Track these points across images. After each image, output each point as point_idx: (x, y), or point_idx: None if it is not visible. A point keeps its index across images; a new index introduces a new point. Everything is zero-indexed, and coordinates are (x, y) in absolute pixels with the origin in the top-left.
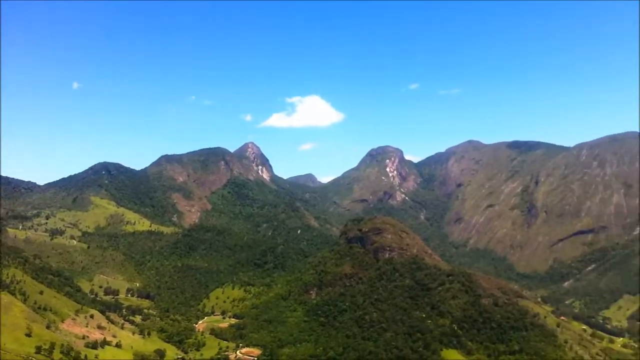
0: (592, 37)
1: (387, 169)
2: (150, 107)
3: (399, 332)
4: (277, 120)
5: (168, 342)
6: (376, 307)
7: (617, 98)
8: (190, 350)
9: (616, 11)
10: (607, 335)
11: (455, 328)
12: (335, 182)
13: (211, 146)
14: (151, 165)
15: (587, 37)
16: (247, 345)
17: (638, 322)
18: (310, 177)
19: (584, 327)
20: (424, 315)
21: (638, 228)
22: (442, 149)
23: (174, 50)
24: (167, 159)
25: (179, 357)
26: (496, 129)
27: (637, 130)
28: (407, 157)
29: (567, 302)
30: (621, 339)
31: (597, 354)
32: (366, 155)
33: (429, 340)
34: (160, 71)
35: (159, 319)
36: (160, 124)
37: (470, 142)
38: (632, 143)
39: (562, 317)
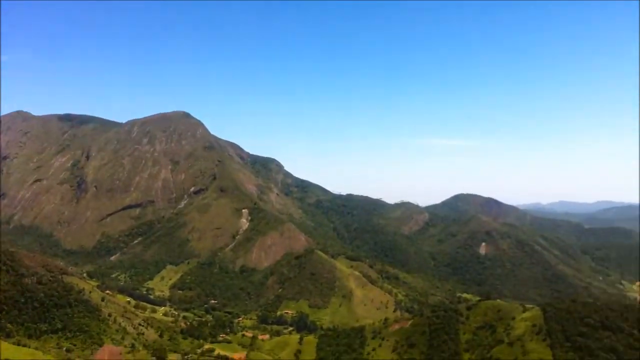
0: None
1: None
2: None
3: None
4: None
5: None
6: None
7: (167, 79)
8: None
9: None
10: (150, 305)
11: None
12: None
13: None
14: None
15: None
16: None
17: (179, 291)
18: None
19: (129, 299)
20: None
21: (183, 202)
22: None
23: None
24: None
25: None
26: (48, 101)
27: (184, 110)
28: None
29: (113, 276)
30: (163, 307)
31: (139, 324)
32: None
33: None
34: None
35: None
36: None
37: (19, 112)
38: (180, 122)
39: (108, 291)
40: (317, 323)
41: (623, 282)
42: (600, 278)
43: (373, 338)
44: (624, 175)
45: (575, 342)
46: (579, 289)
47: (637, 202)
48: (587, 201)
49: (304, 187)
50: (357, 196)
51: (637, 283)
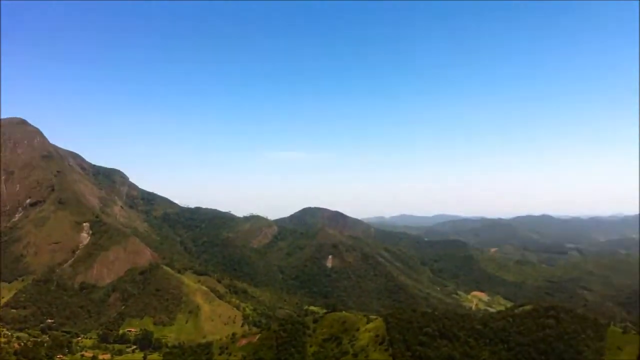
0: None
1: None
2: None
3: None
4: None
5: None
6: None
7: None
8: None
9: None
10: None
11: None
12: None
13: None
14: None
15: None
16: None
17: (12, 310)
18: None
19: None
20: None
21: (17, 215)
22: None
23: None
24: None
25: None
26: None
27: (20, 117)
28: None
29: None
30: None
31: None
32: None
33: None
34: None
35: None
36: None
37: None
38: (15, 129)
39: None
40: (163, 340)
41: (459, 292)
42: (438, 288)
43: (220, 354)
44: (460, 189)
45: (415, 351)
46: (418, 300)
47: (471, 215)
48: (426, 215)
49: (150, 200)
50: (205, 209)
51: (472, 293)
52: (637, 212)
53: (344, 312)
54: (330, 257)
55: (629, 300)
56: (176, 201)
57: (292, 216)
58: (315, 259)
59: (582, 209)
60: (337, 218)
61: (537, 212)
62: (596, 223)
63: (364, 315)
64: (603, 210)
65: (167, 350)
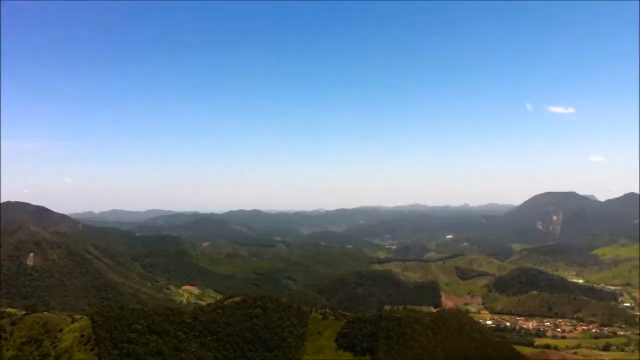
0: None
1: None
2: None
3: None
4: None
5: None
6: None
7: None
8: None
9: None
10: None
11: None
12: None
13: None
14: None
15: None
16: None
17: None
18: None
19: None
20: None
21: None
22: None
23: None
24: None
25: None
26: None
27: None
28: None
29: None
30: None
31: None
32: None
33: None
34: None
35: None
36: None
37: None
38: None
39: None
40: None
41: (170, 286)
42: (149, 284)
43: None
44: (175, 185)
45: (123, 348)
46: (128, 296)
47: (184, 210)
48: (139, 210)
49: None
50: None
51: (183, 287)
52: (336, 208)
53: (45, 312)
54: (31, 255)
55: (328, 287)
56: None
57: None
58: (15, 258)
59: (289, 205)
60: (41, 213)
61: (248, 207)
62: (301, 217)
63: (69, 315)
64: (307, 206)
65: None
